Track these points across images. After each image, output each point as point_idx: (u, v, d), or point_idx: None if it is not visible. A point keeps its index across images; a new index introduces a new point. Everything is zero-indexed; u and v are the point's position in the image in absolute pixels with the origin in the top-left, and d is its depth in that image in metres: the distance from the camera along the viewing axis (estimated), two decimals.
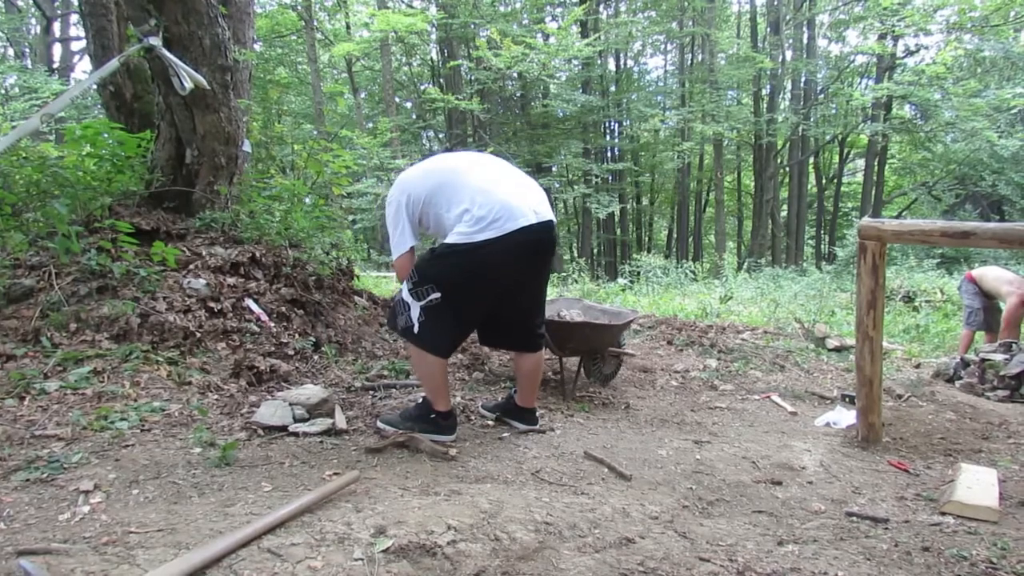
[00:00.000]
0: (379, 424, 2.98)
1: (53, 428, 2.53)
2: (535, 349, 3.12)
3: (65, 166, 4.03)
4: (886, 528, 2.30)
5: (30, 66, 18.26)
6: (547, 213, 2.88)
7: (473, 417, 3.38)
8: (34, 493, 2.08)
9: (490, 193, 2.74)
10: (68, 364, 3.01)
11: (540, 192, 2.96)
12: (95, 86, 4.80)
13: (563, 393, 3.95)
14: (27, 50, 20.76)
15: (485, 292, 2.83)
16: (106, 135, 4.11)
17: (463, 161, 2.94)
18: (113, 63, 3.75)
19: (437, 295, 2.74)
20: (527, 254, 2.83)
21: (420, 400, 3.05)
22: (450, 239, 2.73)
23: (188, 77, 3.78)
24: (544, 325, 3.21)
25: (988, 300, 6.33)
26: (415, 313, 2.78)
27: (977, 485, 2.58)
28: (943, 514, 2.43)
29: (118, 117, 4.73)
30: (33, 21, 20.75)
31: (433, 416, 2.92)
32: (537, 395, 3.33)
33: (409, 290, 2.80)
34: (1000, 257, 14.72)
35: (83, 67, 20.03)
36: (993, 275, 6.40)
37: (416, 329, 2.79)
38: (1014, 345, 5.30)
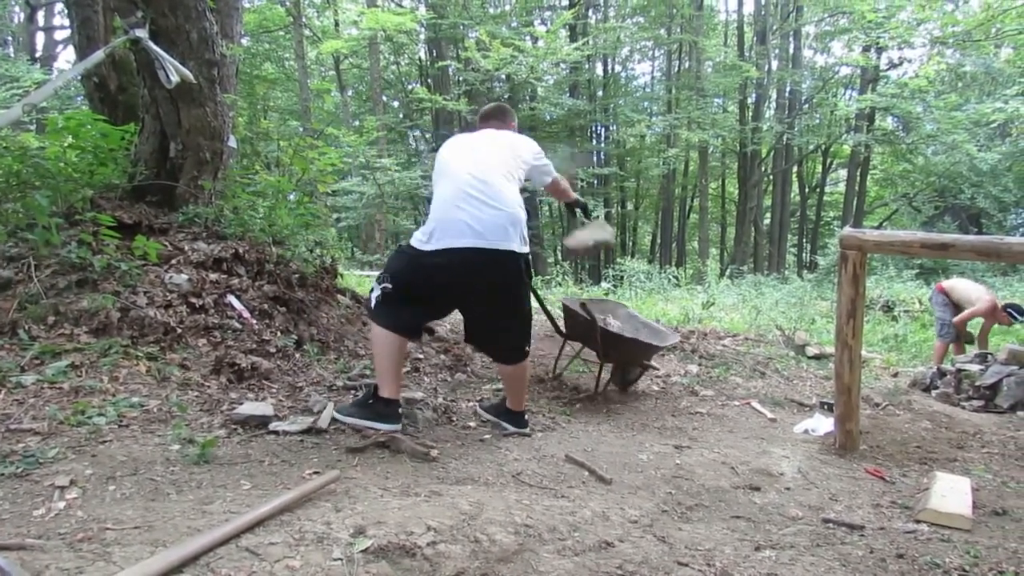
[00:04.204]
0: (334, 414, 3.01)
1: (29, 422, 2.49)
2: (508, 363, 3.16)
3: (46, 157, 3.97)
4: (862, 535, 2.33)
5: (12, 55, 17.99)
6: (494, 238, 2.84)
7: (455, 418, 3.37)
8: (8, 488, 2.05)
9: (438, 206, 2.95)
10: (45, 357, 2.97)
11: (502, 211, 2.88)
12: (79, 77, 4.74)
13: (592, 396, 4.16)
14: (9, 38, 20.46)
15: (429, 293, 3.00)
16: (89, 127, 4.06)
17: (455, 156, 3.16)
18: (98, 54, 3.70)
19: (388, 286, 2.99)
20: (463, 274, 2.88)
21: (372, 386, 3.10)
22: (411, 239, 3.01)
23: (174, 70, 3.74)
24: (527, 338, 3.19)
25: (958, 312, 6.45)
26: (376, 292, 3.04)
27: (951, 493, 2.62)
28: (918, 522, 2.47)
29: (102, 109, 4.67)
30: (16, 9, 20.43)
31: (371, 402, 2.97)
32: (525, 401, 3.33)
33: (380, 274, 3.11)
34: (977, 269, 14.97)
35: (66, 57, 19.75)
36: (963, 287, 6.57)
37: (372, 304, 3.04)
38: (989, 356, 5.38)
